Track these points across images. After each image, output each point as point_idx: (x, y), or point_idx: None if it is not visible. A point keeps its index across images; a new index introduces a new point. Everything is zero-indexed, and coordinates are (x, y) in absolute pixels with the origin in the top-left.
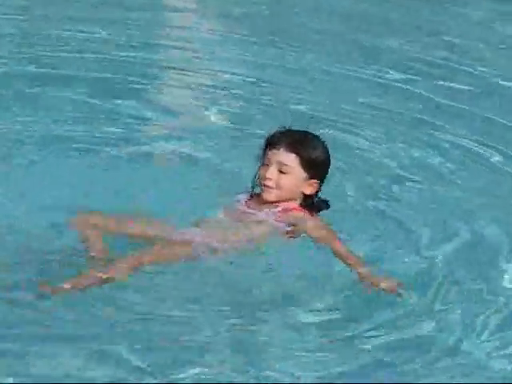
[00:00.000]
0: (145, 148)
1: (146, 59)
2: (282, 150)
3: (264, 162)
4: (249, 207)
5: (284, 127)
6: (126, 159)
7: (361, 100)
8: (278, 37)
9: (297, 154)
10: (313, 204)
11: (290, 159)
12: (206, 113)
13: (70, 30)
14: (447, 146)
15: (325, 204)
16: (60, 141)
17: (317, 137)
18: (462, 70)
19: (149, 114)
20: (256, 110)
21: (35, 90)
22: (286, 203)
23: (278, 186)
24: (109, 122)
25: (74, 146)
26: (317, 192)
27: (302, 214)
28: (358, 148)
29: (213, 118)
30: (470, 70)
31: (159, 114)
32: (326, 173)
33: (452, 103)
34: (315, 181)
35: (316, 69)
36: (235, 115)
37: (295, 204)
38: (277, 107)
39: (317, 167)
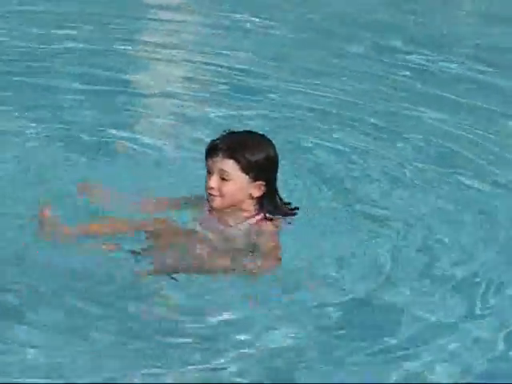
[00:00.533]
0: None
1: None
2: (219, 157)
3: (207, 171)
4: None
5: (225, 131)
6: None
7: None
8: None
9: (234, 159)
10: (272, 207)
11: (229, 166)
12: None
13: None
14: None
15: (287, 207)
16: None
17: (257, 137)
18: None
19: None
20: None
21: None
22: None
23: (222, 194)
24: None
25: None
26: (268, 192)
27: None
28: None
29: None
30: None
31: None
32: (273, 171)
33: None
34: (261, 182)
35: None
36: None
37: (258, 216)
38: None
39: (259, 169)
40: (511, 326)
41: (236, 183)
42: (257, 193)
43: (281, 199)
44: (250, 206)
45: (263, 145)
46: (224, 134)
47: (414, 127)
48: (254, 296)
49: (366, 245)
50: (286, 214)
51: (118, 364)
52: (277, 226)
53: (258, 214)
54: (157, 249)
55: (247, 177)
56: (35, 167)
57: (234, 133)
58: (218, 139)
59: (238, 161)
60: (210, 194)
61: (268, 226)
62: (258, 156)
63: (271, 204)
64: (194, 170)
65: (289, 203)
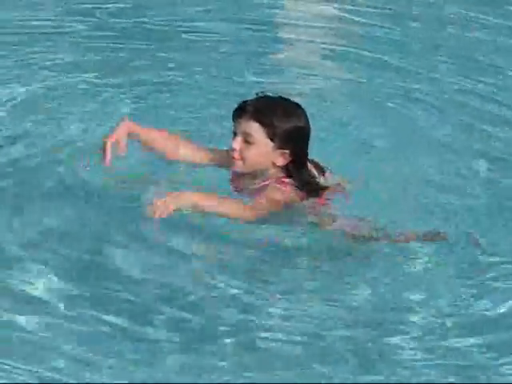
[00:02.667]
0: None
1: None
2: (246, 119)
3: (233, 132)
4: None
5: (258, 93)
6: None
7: None
8: None
9: (260, 122)
10: (298, 181)
11: (254, 129)
12: None
13: None
14: None
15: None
16: None
17: (290, 104)
18: None
19: None
20: None
21: None
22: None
23: (244, 157)
24: None
25: None
26: (294, 164)
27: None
28: None
29: None
30: None
31: None
32: (301, 143)
33: None
34: (285, 151)
35: None
36: None
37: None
38: None
39: (285, 137)
40: None
41: (259, 148)
42: (280, 161)
43: (313, 177)
44: (275, 175)
45: (294, 114)
46: (256, 96)
47: None
48: None
49: None
50: (310, 192)
51: None
52: (283, 194)
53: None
54: None
55: (271, 143)
56: None
57: (266, 96)
58: (248, 100)
59: (263, 124)
60: (233, 157)
61: (274, 187)
62: (287, 124)
63: (297, 177)
64: None
65: (318, 183)
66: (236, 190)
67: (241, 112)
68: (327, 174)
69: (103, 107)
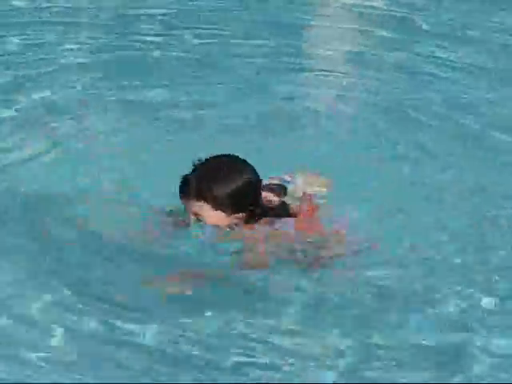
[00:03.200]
0: None
1: None
2: (190, 200)
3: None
4: None
5: (198, 161)
6: None
7: None
8: None
9: (203, 199)
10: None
11: (200, 207)
12: None
13: None
14: None
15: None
16: None
17: (228, 165)
18: None
19: None
20: None
21: None
22: None
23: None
24: None
25: None
26: (251, 215)
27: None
28: None
29: None
30: None
31: None
32: (249, 199)
33: None
34: (240, 215)
35: None
36: None
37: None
38: None
39: (231, 202)
40: None
41: (214, 220)
42: (239, 221)
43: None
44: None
45: (233, 175)
46: (194, 168)
47: None
48: None
49: None
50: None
51: None
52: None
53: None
54: None
55: (223, 213)
56: None
57: (203, 166)
58: (188, 175)
59: (206, 201)
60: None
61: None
62: (226, 190)
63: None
64: None
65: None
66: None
67: (184, 190)
68: (291, 189)
69: None
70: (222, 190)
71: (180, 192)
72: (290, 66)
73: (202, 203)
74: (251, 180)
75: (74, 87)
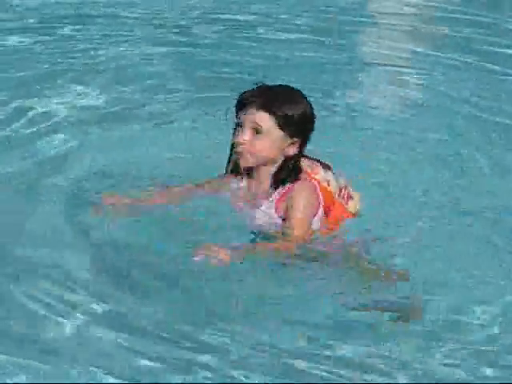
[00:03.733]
0: None
1: None
2: (254, 109)
3: (237, 126)
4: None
5: (257, 84)
6: None
7: None
8: None
9: (270, 112)
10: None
11: (265, 119)
12: None
13: None
14: None
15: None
16: None
17: (293, 91)
18: None
19: None
20: None
21: None
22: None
23: (254, 150)
24: None
25: None
26: (299, 152)
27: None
28: None
29: None
30: None
31: None
32: (309, 129)
33: None
34: (296, 139)
35: None
36: None
37: (289, 185)
38: None
39: (296, 124)
40: None
41: (270, 139)
42: (291, 151)
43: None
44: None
45: (301, 101)
46: (257, 86)
47: None
48: None
49: None
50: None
51: None
52: (311, 181)
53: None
54: None
55: (283, 133)
56: None
57: (268, 86)
58: (251, 90)
59: (272, 114)
60: (239, 152)
61: (299, 188)
62: (296, 111)
63: (291, 169)
64: None
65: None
66: (241, 208)
67: (247, 103)
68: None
69: None
70: (290, 108)
71: (243, 101)
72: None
73: (266, 115)
74: (313, 113)
75: None
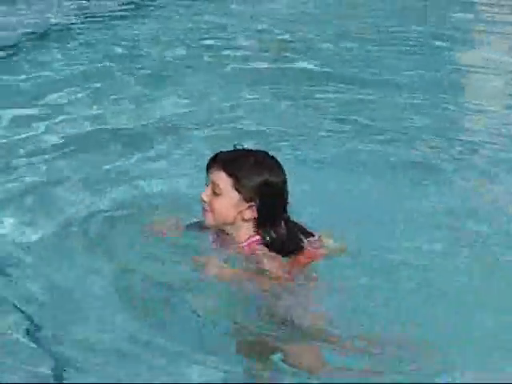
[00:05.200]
0: None
1: None
2: (215, 169)
3: (206, 183)
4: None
5: (236, 145)
6: None
7: None
8: None
9: (227, 172)
10: (269, 237)
11: (221, 179)
12: None
13: None
14: None
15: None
16: None
17: (262, 158)
18: None
19: None
20: None
21: None
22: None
23: (212, 209)
24: None
25: None
26: (262, 218)
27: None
28: None
29: None
30: None
31: None
32: (270, 198)
33: None
34: (252, 204)
35: None
36: None
37: (255, 237)
38: None
39: (252, 189)
40: None
41: (226, 199)
42: (247, 215)
43: (289, 235)
44: (248, 230)
45: (266, 167)
46: (233, 147)
47: None
48: None
49: None
50: (282, 250)
51: None
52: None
53: (251, 237)
54: None
55: (238, 195)
56: None
57: (241, 149)
58: (221, 151)
59: (230, 175)
60: (203, 209)
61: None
62: (254, 176)
63: (267, 233)
64: None
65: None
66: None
67: (212, 162)
68: (313, 239)
69: None
70: (249, 172)
71: (210, 160)
72: None
73: (224, 175)
74: (279, 182)
75: None
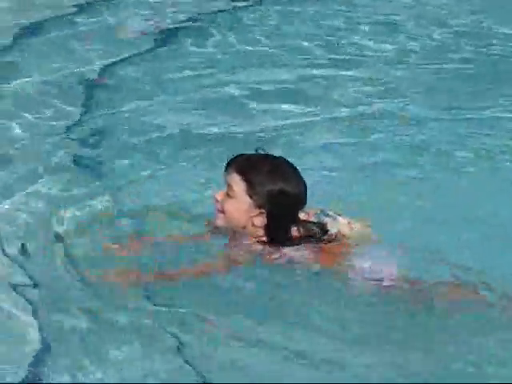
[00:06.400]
0: None
1: None
2: (231, 171)
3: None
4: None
5: (257, 149)
6: None
7: None
8: None
9: (242, 176)
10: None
11: (236, 182)
12: None
13: None
14: None
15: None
16: None
17: (281, 166)
18: None
19: None
20: None
21: None
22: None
23: (224, 210)
24: None
25: None
26: (271, 226)
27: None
28: None
29: None
30: None
31: None
32: (283, 207)
33: None
34: (262, 211)
35: None
36: None
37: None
38: None
39: (264, 196)
40: None
41: (237, 202)
42: (258, 221)
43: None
44: (254, 234)
45: (282, 177)
46: (255, 151)
47: None
48: None
49: None
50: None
51: None
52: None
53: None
54: None
55: (250, 200)
56: None
57: (263, 154)
58: (241, 154)
59: (245, 179)
60: (216, 209)
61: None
62: (269, 184)
63: (276, 240)
64: None
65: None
66: None
67: (229, 164)
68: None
69: None
70: (264, 179)
71: (228, 162)
72: None
73: (239, 178)
74: (294, 193)
75: None
